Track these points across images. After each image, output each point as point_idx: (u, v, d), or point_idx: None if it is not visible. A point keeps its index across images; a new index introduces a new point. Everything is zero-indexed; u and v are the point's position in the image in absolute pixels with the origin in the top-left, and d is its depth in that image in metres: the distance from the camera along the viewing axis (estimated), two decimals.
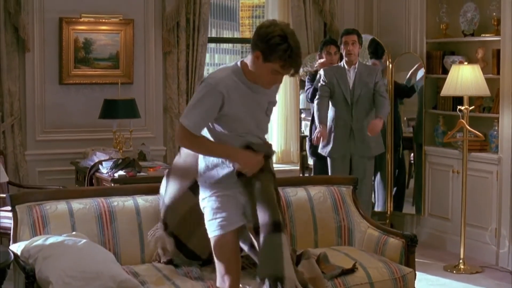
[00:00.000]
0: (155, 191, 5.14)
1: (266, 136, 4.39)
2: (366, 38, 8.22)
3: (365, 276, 4.94)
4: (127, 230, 5.00)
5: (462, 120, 7.05)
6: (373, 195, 8.17)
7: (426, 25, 8.12)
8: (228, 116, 4.14)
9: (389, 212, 8.38)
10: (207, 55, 8.12)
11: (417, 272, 5.36)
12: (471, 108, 7.12)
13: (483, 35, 7.57)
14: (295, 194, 5.53)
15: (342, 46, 7.33)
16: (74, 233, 4.78)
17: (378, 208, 8.39)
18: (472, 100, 7.31)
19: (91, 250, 4.52)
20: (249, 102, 4.17)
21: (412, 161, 8.43)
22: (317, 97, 7.31)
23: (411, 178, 8.44)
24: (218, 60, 9.32)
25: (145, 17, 7.83)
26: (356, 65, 7.29)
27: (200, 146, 4.22)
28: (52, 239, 4.55)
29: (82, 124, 7.63)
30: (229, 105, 4.10)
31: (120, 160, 6.73)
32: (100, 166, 6.80)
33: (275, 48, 3.96)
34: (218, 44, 8.62)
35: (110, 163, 6.73)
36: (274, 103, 4.32)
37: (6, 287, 4.63)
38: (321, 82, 7.33)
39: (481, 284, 6.70)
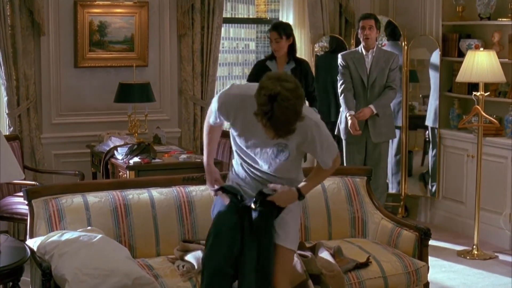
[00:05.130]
0: (170, 183, 5.20)
1: (279, 177, 4.29)
2: (382, 20, 8.17)
3: (379, 270, 4.97)
4: (142, 223, 5.03)
5: (477, 106, 7.03)
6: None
7: (442, 8, 8.07)
8: (235, 132, 4.23)
9: (403, 194, 8.39)
10: (222, 30, 8.11)
11: (430, 257, 5.40)
12: (486, 93, 7.09)
13: (500, 19, 7.52)
14: None
15: (359, 31, 7.31)
16: (89, 228, 4.82)
17: (392, 190, 8.40)
18: (487, 84, 7.28)
19: (106, 246, 4.55)
20: (254, 130, 4.10)
21: (427, 139, 8.41)
22: (341, 88, 7.31)
23: (426, 155, 8.44)
24: (233, 34, 9.27)
25: (160, 0, 7.81)
26: (374, 50, 7.27)
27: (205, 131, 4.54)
28: (68, 235, 4.59)
29: (97, 107, 7.66)
30: (237, 123, 4.16)
31: (135, 146, 6.75)
32: (115, 151, 6.82)
33: (260, 106, 3.84)
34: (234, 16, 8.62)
35: (125, 149, 6.76)
36: (284, 145, 4.12)
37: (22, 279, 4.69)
38: (340, 68, 7.34)
39: (494, 271, 6.71)
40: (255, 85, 3.95)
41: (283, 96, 3.76)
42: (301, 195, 4.27)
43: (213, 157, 4.61)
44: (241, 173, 4.39)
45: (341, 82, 7.34)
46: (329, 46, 8.48)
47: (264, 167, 4.26)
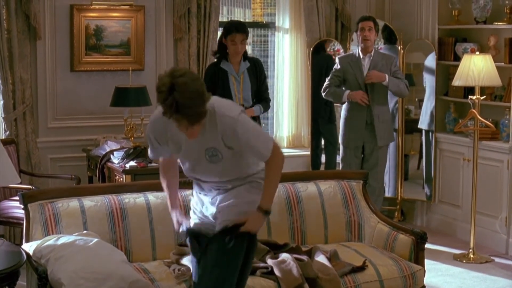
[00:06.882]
0: None
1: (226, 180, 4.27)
2: (379, 24, 8.17)
3: (375, 273, 4.97)
4: (138, 227, 5.04)
5: (473, 110, 7.04)
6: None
7: (438, 11, 8.08)
8: (171, 150, 4.27)
9: (399, 198, 8.40)
10: (218, 33, 8.10)
11: (426, 261, 5.43)
12: (482, 97, 7.10)
13: (496, 23, 7.52)
14: (305, 189, 5.55)
15: (358, 33, 7.30)
16: (85, 232, 4.83)
17: (388, 193, 8.41)
18: (483, 88, 7.28)
19: (102, 250, 4.56)
20: (183, 144, 4.15)
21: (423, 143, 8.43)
22: (326, 85, 7.32)
23: (422, 159, 8.45)
24: None
25: (156, 4, 7.80)
26: (372, 53, 7.26)
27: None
28: (64, 239, 4.60)
29: (93, 111, 7.65)
30: (169, 141, 4.19)
31: (131, 150, 6.75)
32: (111, 156, 6.82)
33: (163, 103, 3.87)
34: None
35: (121, 153, 6.76)
36: (212, 148, 4.13)
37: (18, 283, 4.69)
38: (333, 70, 7.34)
39: (491, 275, 6.72)
40: None
41: (179, 82, 3.83)
42: (265, 212, 4.21)
43: (176, 198, 4.55)
44: (200, 200, 4.39)
45: (327, 83, 7.35)
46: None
47: (212, 179, 4.26)
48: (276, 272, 4.76)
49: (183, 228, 4.39)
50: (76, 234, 4.75)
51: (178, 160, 4.36)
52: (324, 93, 7.37)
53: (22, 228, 4.98)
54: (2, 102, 7.22)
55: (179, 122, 3.91)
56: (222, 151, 4.11)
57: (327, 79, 7.38)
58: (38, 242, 4.64)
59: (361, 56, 7.28)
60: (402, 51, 8.20)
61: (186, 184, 5.04)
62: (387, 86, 7.18)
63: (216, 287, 4.11)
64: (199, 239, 4.29)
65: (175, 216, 4.44)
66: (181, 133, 4.05)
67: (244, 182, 4.26)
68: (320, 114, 8.44)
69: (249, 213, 4.18)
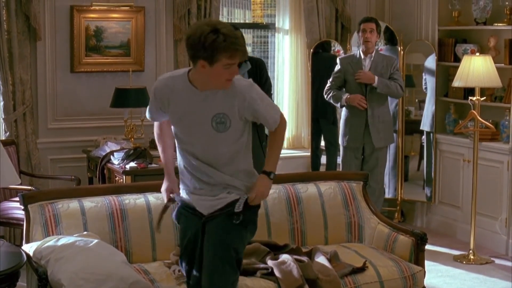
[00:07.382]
0: None
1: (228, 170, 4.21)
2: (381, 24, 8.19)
3: (375, 274, 4.98)
4: (138, 228, 5.04)
5: (474, 111, 7.04)
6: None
7: (438, 13, 8.07)
8: (171, 117, 4.23)
9: (399, 199, 8.40)
10: None
11: (427, 262, 5.43)
12: (482, 98, 7.09)
13: (496, 24, 7.53)
14: (305, 190, 5.55)
15: (360, 34, 7.29)
16: (85, 233, 4.83)
17: (388, 195, 8.40)
18: (483, 89, 7.28)
19: (102, 251, 4.56)
20: (190, 108, 4.13)
21: (423, 144, 8.41)
22: (328, 87, 7.32)
23: (422, 160, 8.45)
24: None
25: (156, 5, 7.80)
26: (373, 54, 7.25)
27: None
28: (64, 240, 4.60)
29: (93, 112, 7.65)
30: (172, 105, 4.18)
31: (132, 151, 6.75)
32: (111, 156, 6.82)
33: (213, 45, 3.90)
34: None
35: (121, 154, 6.76)
36: (222, 115, 4.10)
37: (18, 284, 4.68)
38: (334, 71, 7.34)
39: (491, 276, 6.72)
40: (184, 69, 4.18)
41: (217, 22, 4.03)
42: (269, 174, 4.24)
43: (173, 164, 4.52)
44: (187, 179, 4.29)
45: (328, 85, 7.34)
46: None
47: (206, 155, 4.16)
48: (276, 273, 4.76)
49: (175, 198, 4.41)
50: (76, 235, 4.75)
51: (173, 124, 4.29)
52: (326, 95, 7.38)
53: (22, 229, 4.98)
54: (2, 103, 7.23)
55: (232, 59, 3.95)
56: (231, 118, 4.11)
57: (328, 81, 7.38)
58: (38, 243, 4.64)
59: (362, 57, 7.28)
60: (402, 52, 8.20)
61: None
62: (376, 88, 7.18)
63: (223, 269, 4.10)
64: (194, 211, 4.27)
65: (165, 183, 4.50)
66: (187, 98, 4.09)
67: (228, 186, 4.21)
68: (324, 115, 8.42)
69: (253, 184, 4.23)
